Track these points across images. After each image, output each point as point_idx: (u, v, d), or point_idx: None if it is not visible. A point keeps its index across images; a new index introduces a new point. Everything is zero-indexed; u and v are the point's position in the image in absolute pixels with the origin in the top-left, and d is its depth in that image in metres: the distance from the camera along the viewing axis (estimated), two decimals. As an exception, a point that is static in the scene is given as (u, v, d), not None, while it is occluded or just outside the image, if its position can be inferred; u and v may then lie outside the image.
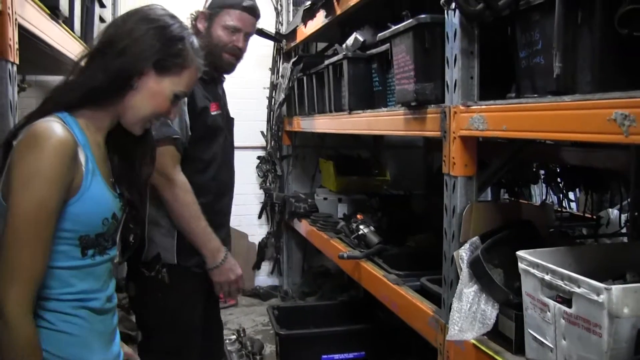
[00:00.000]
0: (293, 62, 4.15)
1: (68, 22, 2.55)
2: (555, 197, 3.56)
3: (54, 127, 1.29)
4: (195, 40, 1.56)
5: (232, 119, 2.63)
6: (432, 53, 2.04)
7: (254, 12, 2.45)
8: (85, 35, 3.15)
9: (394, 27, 2.24)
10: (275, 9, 5.26)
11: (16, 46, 1.76)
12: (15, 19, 1.73)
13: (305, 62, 3.92)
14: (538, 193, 4.18)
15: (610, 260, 1.64)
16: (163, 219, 2.25)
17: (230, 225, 2.61)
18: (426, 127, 2.08)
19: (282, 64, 4.97)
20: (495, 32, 1.85)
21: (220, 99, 2.50)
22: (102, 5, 3.59)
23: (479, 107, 1.77)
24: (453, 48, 1.90)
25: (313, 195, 4.40)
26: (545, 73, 1.57)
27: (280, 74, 4.88)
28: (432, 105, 2.05)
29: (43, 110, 1.36)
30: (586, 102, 1.33)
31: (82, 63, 1.45)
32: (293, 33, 4.47)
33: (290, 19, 5.05)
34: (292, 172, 5.13)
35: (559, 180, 3.29)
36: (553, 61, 1.49)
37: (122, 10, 4.82)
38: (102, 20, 4.06)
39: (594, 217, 3.22)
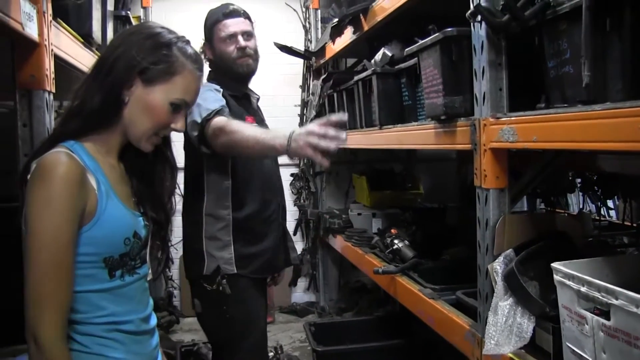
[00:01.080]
0: (323, 79, 4.18)
1: (101, 49, 2.60)
2: (594, 205, 3.50)
3: (59, 157, 1.31)
4: (187, 46, 1.51)
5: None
6: (459, 66, 2.04)
7: (237, 13, 2.62)
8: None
9: (421, 42, 2.25)
10: (304, 26, 5.32)
11: (52, 75, 1.81)
12: (52, 50, 1.79)
13: (335, 79, 3.94)
14: (575, 202, 4.11)
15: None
16: (220, 232, 2.41)
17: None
18: (457, 140, 2.07)
19: (312, 81, 5.00)
20: (523, 42, 1.84)
21: (256, 114, 2.65)
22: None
23: (508, 118, 1.76)
24: (480, 60, 1.89)
25: (347, 211, 4.39)
26: (575, 82, 1.55)
27: (310, 92, 4.92)
28: (462, 118, 2.04)
29: (51, 142, 1.39)
30: (617, 110, 1.31)
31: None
32: (322, 50, 4.49)
33: (319, 36, 5.09)
34: (326, 189, 5.14)
35: (595, 188, 3.23)
36: (582, 70, 1.47)
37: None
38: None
39: (634, 225, 3.15)
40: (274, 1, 5.34)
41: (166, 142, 1.59)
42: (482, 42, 1.88)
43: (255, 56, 2.59)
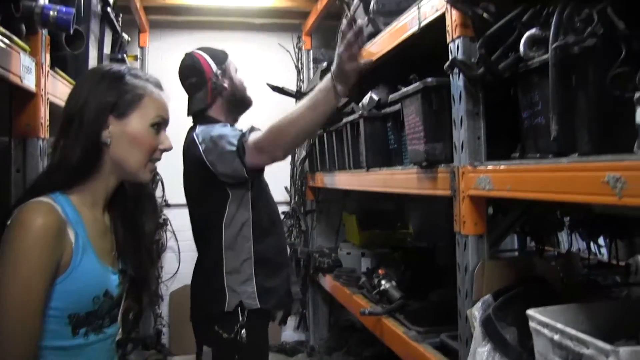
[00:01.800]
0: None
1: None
2: (584, 243, 3.53)
3: (40, 207, 1.31)
4: (136, 70, 1.56)
5: None
6: (440, 114, 2.11)
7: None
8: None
9: (403, 89, 2.33)
10: (296, 66, 5.44)
11: (47, 123, 1.88)
12: (48, 99, 1.86)
13: (325, 120, 4.01)
14: (566, 239, 4.15)
15: (631, 316, 1.62)
16: (242, 266, 2.45)
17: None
18: (437, 186, 2.13)
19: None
20: (501, 91, 1.92)
21: None
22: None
23: (484, 167, 1.83)
24: (459, 110, 1.97)
25: (337, 250, 4.44)
26: (547, 133, 1.60)
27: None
28: (442, 165, 2.11)
29: (36, 192, 1.38)
30: (581, 164, 1.38)
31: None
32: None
33: (311, 76, 5.21)
34: (317, 227, 5.18)
35: (583, 228, 3.28)
36: (550, 124, 1.55)
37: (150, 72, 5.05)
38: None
39: (621, 264, 3.18)
40: (268, 42, 5.48)
41: (144, 186, 1.62)
42: (460, 92, 1.96)
43: None
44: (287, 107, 5.11)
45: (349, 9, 3.42)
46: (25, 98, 1.79)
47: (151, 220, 1.66)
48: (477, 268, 1.90)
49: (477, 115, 1.95)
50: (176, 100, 5.13)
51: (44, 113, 1.83)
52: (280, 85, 4.63)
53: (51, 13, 1.59)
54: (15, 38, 1.60)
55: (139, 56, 5.11)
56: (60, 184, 1.40)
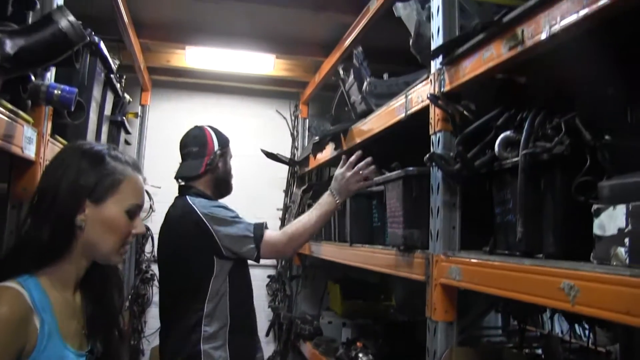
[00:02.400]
0: (303, 190, 4.36)
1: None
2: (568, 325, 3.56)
3: (5, 297, 1.28)
4: (116, 152, 1.52)
5: None
6: (419, 201, 2.21)
7: None
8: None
9: (387, 174, 2.43)
10: (292, 134, 5.57)
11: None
12: (45, 165, 1.94)
13: (315, 190, 4.12)
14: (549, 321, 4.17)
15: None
16: (219, 332, 2.59)
17: None
18: (413, 270, 2.21)
19: (295, 187, 5.19)
20: (478, 184, 2.02)
21: None
22: (127, 132, 3.87)
23: (456, 258, 1.91)
24: (436, 200, 2.07)
25: (319, 317, 4.47)
26: (516, 232, 1.70)
27: (292, 199, 5.09)
28: (419, 251, 2.19)
29: (3, 273, 1.34)
30: (541, 268, 1.46)
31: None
32: (306, 159, 4.69)
33: (305, 144, 5.34)
34: (301, 292, 5.20)
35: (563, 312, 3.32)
36: (516, 225, 1.65)
37: (147, 133, 5.18)
38: (127, 142, 4.36)
39: (604, 349, 3.20)
40: (266, 108, 5.63)
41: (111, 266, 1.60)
42: (439, 183, 2.06)
43: None
44: (281, 173, 5.31)
45: (344, 86, 3.59)
46: (25, 165, 1.87)
47: (119, 294, 1.64)
48: (445, 354, 1.96)
49: (453, 206, 2.05)
50: (168, 158, 5.23)
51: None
52: (274, 152, 4.76)
53: (55, 92, 1.69)
54: (20, 112, 1.70)
55: (139, 113, 5.23)
56: (29, 266, 1.36)
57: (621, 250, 1.26)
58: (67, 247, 1.41)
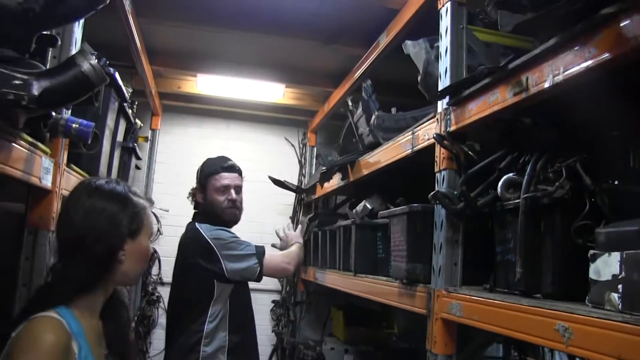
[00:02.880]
0: (309, 218, 4.41)
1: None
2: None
3: (50, 324, 1.38)
4: (130, 187, 1.66)
5: None
6: (422, 237, 2.25)
7: (233, 169, 3.08)
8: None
9: (392, 209, 2.48)
10: (299, 161, 5.64)
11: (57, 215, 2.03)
12: (61, 194, 2.01)
13: (321, 220, 4.18)
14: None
15: None
16: (217, 353, 2.72)
17: None
18: (415, 303, 2.25)
19: (301, 215, 5.24)
20: (481, 222, 2.07)
21: None
22: (138, 158, 3.94)
23: (457, 294, 1.95)
24: (439, 236, 2.12)
25: (322, 343, 4.49)
26: (515, 271, 1.75)
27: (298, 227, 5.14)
28: (421, 285, 2.23)
29: (41, 304, 1.44)
30: (538, 309, 1.50)
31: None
32: (313, 187, 4.75)
33: (313, 171, 5.40)
34: (305, 318, 5.23)
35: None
36: (516, 265, 1.69)
37: (157, 157, 5.25)
38: (137, 167, 4.44)
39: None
40: (275, 135, 5.72)
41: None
42: (442, 220, 2.11)
43: (240, 208, 3.04)
44: (288, 199, 5.36)
45: (353, 117, 3.66)
46: (41, 194, 1.94)
47: (127, 310, 1.78)
48: (444, 387, 2.00)
49: (456, 242, 2.09)
50: (176, 182, 5.28)
51: (56, 207, 1.98)
52: (282, 179, 4.83)
53: (73, 126, 1.76)
54: (39, 144, 1.78)
55: (149, 138, 5.31)
56: (65, 299, 1.47)
57: (614, 296, 1.30)
58: (105, 281, 1.56)
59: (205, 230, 2.81)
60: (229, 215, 3.00)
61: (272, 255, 2.86)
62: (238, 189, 3.04)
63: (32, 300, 1.53)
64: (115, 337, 1.65)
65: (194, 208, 3.11)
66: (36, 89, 1.27)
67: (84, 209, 1.55)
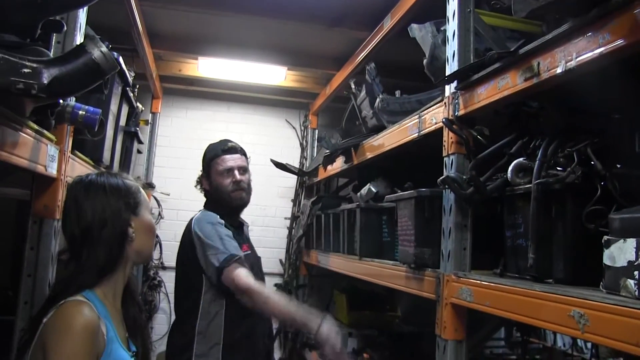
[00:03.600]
0: (312, 202, 4.41)
1: (110, 167, 2.84)
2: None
3: (82, 310, 1.45)
4: (121, 174, 1.75)
5: (260, 258, 3.02)
6: (431, 222, 2.24)
7: (235, 150, 2.95)
8: (122, 169, 3.47)
9: (399, 193, 2.47)
10: (301, 144, 5.62)
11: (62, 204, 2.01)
12: (66, 182, 1.99)
13: (324, 203, 4.17)
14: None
15: None
16: (211, 350, 2.59)
17: None
18: (423, 288, 2.25)
19: (304, 198, 5.23)
20: (490, 206, 2.06)
21: (249, 241, 2.94)
22: (140, 142, 3.92)
23: (467, 279, 1.95)
24: (448, 221, 2.11)
25: (325, 327, 4.48)
26: (526, 256, 1.73)
27: (300, 210, 5.13)
28: (429, 270, 2.23)
29: (68, 291, 1.52)
30: (551, 295, 1.49)
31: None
32: (315, 170, 4.73)
33: (314, 154, 5.38)
34: (307, 301, 5.24)
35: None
36: (528, 251, 1.68)
37: (157, 141, 5.23)
38: (139, 151, 4.42)
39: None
40: (276, 117, 5.69)
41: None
42: (451, 205, 2.10)
43: (248, 189, 2.90)
44: (290, 182, 5.35)
45: (356, 100, 3.63)
46: (47, 182, 1.92)
47: (139, 294, 1.86)
48: (454, 372, 2.00)
49: (465, 227, 2.08)
50: (177, 166, 5.26)
51: (61, 195, 1.96)
52: (284, 162, 4.81)
53: (80, 113, 1.75)
54: (45, 132, 1.75)
55: (149, 121, 5.28)
56: (89, 284, 1.56)
57: (630, 283, 1.30)
58: (121, 259, 1.64)
59: (196, 221, 2.73)
60: (235, 199, 2.87)
61: (240, 271, 2.52)
62: (242, 169, 2.91)
63: (56, 289, 1.60)
64: (134, 322, 1.72)
65: (204, 196, 3.00)
66: (46, 77, 1.25)
67: (86, 203, 1.61)
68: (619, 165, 1.72)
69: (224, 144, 2.93)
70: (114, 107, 2.76)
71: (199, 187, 2.97)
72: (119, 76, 2.67)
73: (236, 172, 2.83)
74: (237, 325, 2.65)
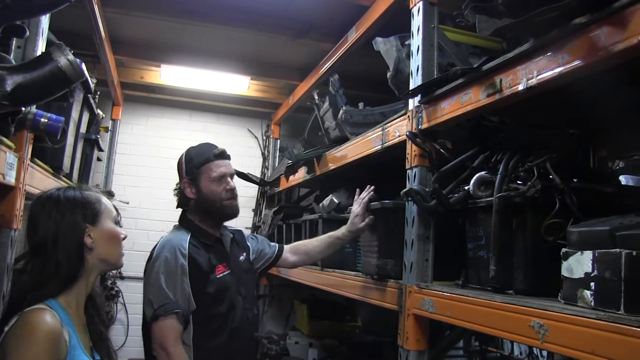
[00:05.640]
0: (274, 211, 4.40)
1: (69, 175, 2.79)
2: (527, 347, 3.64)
3: (44, 317, 1.45)
4: (80, 186, 1.72)
5: (251, 268, 2.75)
6: (394, 233, 2.26)
7: (225, 155, 2.64)
8: (81, 178, 3.42)
9: (362, 205, 2.49)
10: (263, 154, 5.62)
11: (21, 213, 1.96)
12: (24, 190, 1.95)
13: (286, 213, 4.16)
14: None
15: None
16: None
17: None
18: (386, 299, 2.27)
19: (265, 208, 5.22)
20: (453, 218, 2.09)
21: (229, 257, 2.59)
22: (101, 150, 3.87)
23: (429, 290, 1.97)
24: (411, 233, 2.13)
25: (286, 337, 4.48)
26: (487, 268, 1.77)
27: (262, 220, 5.11)
28: (392, 280, 2.25)
29: (30, 300, 1.50)
30: (512, 305, 1.53)
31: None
32: (277, 180, 4.73)
33: (276, 164, 5.38)
34: (268, 311, 5.23)
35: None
36: (489, 263, 1.72)
37: (117, 148, 5.17)
38: (99, 159, 4.36)
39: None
40: (238, 127, 5.68)
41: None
42: (414, 217, 2.13)
43: (237, 198, 2.63)
44: (251, 192, 5.33)
45: (319, 111, 3.65)
46: (4, 191, 1.88)
47: (104, 304, 1.84)
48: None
49: (427, 239, 2.11)
50: (137, 175, 5.18)
51: (19, 204, 1.92)
52: (245, 172, 4.79)
53: (42, 120, 1.71)
54: (4, 139, 1.72)
55: (109, 128, 5.22)
56: (53, 293, 1.55)
57: (587, 293, 1.34)
58: (82, 269, 1.62)
59: (157, 249, 2.43)
60: (228, 207, 2.57)
61: (172, 328, 2.27)
62: (232, 176, 2.63)
63: (17, 298, 1.57)
64: (97, 331, 1.70)
65: (180, 206, 2.65)
66: (9, 84, 1.23)
67: (43, 217, 1.61)
68: (575, 180, 1.78)
69: (213, 147, 2.65)
70: (75, 114, 2.72)
71: (176, 195, 2.64)
72: (81, 83, 2.63)
73: (229, 179, 2.58)
74: (208, 339, 2.39)
